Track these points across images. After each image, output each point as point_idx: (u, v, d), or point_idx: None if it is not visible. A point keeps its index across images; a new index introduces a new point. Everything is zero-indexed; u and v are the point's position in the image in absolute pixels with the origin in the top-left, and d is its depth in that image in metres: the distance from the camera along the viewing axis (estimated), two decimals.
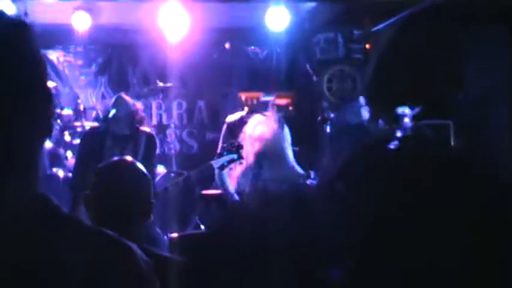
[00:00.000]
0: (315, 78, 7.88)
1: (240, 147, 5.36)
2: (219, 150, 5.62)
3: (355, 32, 8.17)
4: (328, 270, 0.68)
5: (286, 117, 6.74)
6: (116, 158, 2.85)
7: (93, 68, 8.57)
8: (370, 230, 0.69)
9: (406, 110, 6.73)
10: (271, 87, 8.24)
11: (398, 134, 6.09)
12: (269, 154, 5.89)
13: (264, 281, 0.70)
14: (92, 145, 5.28)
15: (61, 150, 7.01)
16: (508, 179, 0.73)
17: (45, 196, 1.06)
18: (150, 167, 4.85)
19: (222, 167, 5.39)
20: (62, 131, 7.12)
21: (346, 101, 7.88)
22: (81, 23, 7.20)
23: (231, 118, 6.29)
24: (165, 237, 5.65)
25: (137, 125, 5.38)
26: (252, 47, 8.76)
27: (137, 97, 6.88)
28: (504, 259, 0.68)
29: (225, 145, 5.57)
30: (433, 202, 0.70)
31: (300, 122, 7.31)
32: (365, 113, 7.39)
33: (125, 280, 1.04)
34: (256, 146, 5.88)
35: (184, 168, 6.71)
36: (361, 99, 7.51)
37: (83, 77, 8.52)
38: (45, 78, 1.06)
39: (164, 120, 8.57)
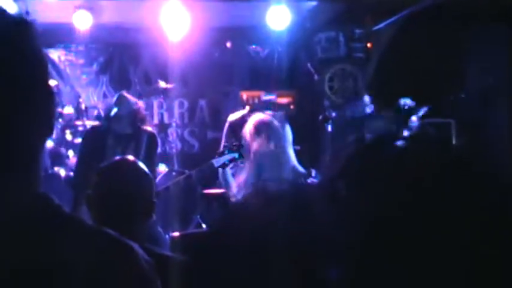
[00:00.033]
0: (316, 77, 7.88)
1: (241, 146, 5.35)
2: (221, 149, 5.62)
3: (357, 30, 8.17)
4: (328, 270, 0.68)
5: (287, 116, 6.74)
6: (117, 158, 2.84)
7: (95, 67, 8.57)
8: (370, 230, 0.69)
9: (407, 101, 6.73)
10: (272, 86, 8.26)
11: (405, 133, 6.10)
12: (270, 153, 5.89)
13: (264, 281, 0.71)
14: (94, 144, 5.28)
15: (62, 149, 7.02)
16: (509, 178, 0.73)
17: (47, 195, 1.05)
18: (152, 166, 4.85)
19: (223, 166, 5.39)
20: (63, 130, 7.13)
21: (348, 100, 7.88)
22: (83, 22, 7.21)
23: (233, 117, 6.29)
24: (167, 236, 5.66)
25: (139, 124, 5.38)
26: (253, 46, 8.76)
27: (139, 96, 6.89)
28: (505, 259, 0.68)
29: (226, 144, 5.57)
30: (434, 202, 0.70)
31: (301, 120, 7.31)
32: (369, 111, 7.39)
33: (126, 280, 1.04)
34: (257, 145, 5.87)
35: (185, 167, 6.71)
36: (366, 98, 7.50)
37: (84, 76, 8.53)
38: (46, 77, 1.06)
39: (165, 119, 8.57)
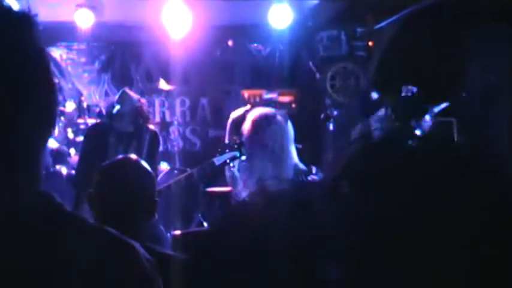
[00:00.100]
0: (318, 75, 7.87)
1: (242, 144, 5.35)
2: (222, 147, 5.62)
3: (358, 29, 8.16)
4: (328, 270, 0.68)
5: (289, 115, 6.74)
6: (120, 156, 2.84)
7: (96, 65, 8.57)
8: (370, 230, 0.69)
9: (409, 87, 6.72)
10: (274, 84, 8.25)
11: (418, 132, 6.10)
12: (271, 151, 5.88)
13: (264, 280, 0.71)
14: (96, 142, 5.27)
15: (64, 148, 7.02)
16: (511, 177, 0.73)
17: (48, 194, 1.05)
18: (154, 165, 4.85)
19: (224, 164, 5.38)
20: (65, 128, 7.13)
21: (349, 98, 7.88)
22: (84, 20, 7.20)
23: (236, 114, 6.29)
24: (168, 234, 5.66)
25: (141, 122, 5.37)
26: (255, 45, 8.75)
27: (140, 94, 6.89)
28: (506, 259, 0.68)
29: (227, 142, 5.57)
30: (434, 202, 0.70)
31: (303, 119, 7.30)
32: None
33: (128, 279, 1.04)
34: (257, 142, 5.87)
35: (187, 165, 6.70)
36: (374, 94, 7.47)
37: (86, 74, 8.53)
38: (48, 75, 1.06)
39: (167, 118, 8.57)
